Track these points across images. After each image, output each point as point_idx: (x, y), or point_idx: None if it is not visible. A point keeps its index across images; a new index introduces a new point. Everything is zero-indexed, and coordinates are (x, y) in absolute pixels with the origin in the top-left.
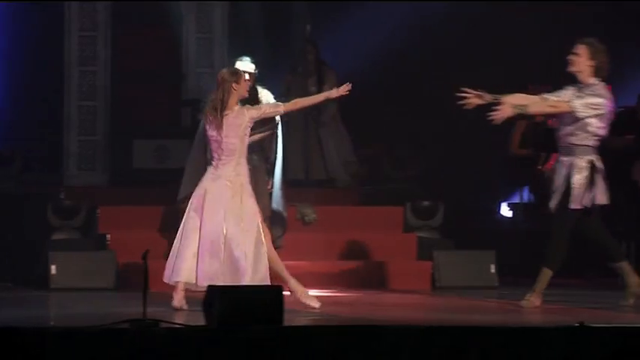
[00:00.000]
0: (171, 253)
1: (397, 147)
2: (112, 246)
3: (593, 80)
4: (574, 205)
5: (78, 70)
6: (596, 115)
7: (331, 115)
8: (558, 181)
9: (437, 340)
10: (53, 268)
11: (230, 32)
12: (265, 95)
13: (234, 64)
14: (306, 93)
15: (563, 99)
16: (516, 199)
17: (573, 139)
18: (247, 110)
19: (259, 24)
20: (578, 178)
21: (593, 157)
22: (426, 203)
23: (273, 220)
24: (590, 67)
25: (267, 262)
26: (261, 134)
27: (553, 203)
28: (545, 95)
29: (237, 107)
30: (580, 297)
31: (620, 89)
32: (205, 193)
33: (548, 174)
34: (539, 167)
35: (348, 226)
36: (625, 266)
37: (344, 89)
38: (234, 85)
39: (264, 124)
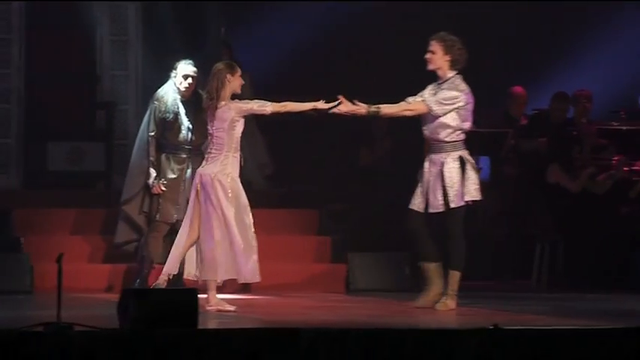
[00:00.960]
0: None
1: (314, 148)
2: (27, 249)
3: (451, 74)
4: (459, 202)
5: None
6: (454, 109)
7: None
8: (434, 181)
9: (351, 342)
10: None
11: (144, 34)
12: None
13: (152, 66)
14: None
15: (423, 98)
16: None
17: (438, 136)
18: (234, 104)
19: (174, 26)
20: (450, 176)
21: (462, 152)
22: (340, 206)
23: None
24: (448, 62)
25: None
26: None
27: (436, 204)
28: (409, 99)
29: (229, 102)
30: (495, 300)
31: (533, 92)
32: (197, 191)
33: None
34: None
35: (262, 228)
36: (437, 268)
37: (334, 103)
38: (228, 76)
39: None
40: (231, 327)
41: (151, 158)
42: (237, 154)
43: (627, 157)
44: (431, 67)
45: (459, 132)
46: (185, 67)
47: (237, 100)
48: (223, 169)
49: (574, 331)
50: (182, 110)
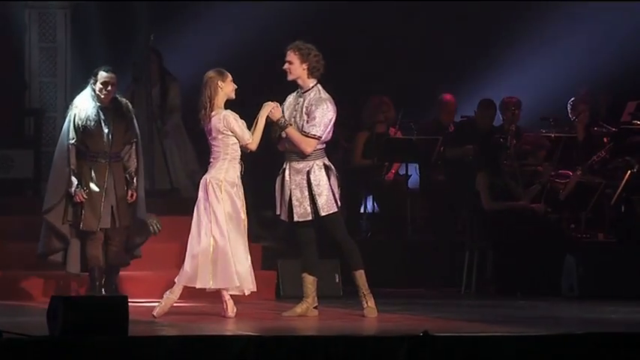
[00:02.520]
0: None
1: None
2: None
3: (312, 82)
4: (331, 209)
5: None
6: (329, 124)
7: (175, 124)
8: (299, 189)
9: (281, 349)
10: None
11: (73, 42)
12: (126, 102)
13: (81, 73)
14: (149, 103)
15: (307, 132)
16: (360, 209)
17: None
18: (225, 117)
19: (102, 34)
20: (318, 184)
21: (325, 160)
22: (270, 213)
23: (135, 229)
24: (306, 70)
25: (229, 266)
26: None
27: (302, 212)
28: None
29: (222, 110)
30: (424, 306)
31: (465, 100)
32: (199, 198)
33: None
34: (383, 176)
35: None
36: (313, 283)
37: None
38: (219, 83)
39: (130, 134)
40: (161, 335)
41: (72, 167)
42: (235, 161)
43: (552, 162)
44: (290, 77)
45: (323, 142)
46: (104, 75)
47: (230, 113)
48: (216, 175)
49: (503, 337)
50: (102, 117)
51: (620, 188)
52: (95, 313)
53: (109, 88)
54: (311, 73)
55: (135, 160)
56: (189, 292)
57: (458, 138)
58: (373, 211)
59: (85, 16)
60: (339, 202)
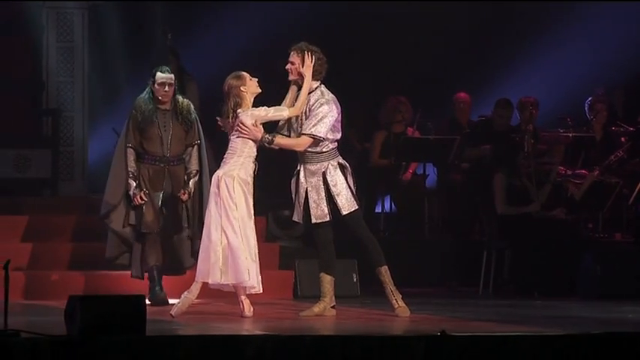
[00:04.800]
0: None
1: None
2: None
3: (314, 84)
4: (352, 207)
5: None
6: (332, 122)
7: None
8: (315, 191)
9: (298, 349)
10: None
11: (90, 42)
12: (187, 104)
13: (98, 73)
14: None
15: (303, 130)
16: (377, 209)
17: (315, 148)
18: (252, 112)
19: (120, 33)
20: (336, 184)
21: (339, 159)
22: (287, 212)
23: (198, 230)
24: None
25: (240, 261)
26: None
27: (319, 214)
28: (279, 135)
29: (248, 109)
30: (442, 306)
31: (479, 98)
32: (211, 193)
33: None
34: (400, 176)
35: None
36: (331, 282)
37: None
38: (242, 88)
39: (191, 136)
40: (178, 334)
41: (130, 169)
42: (250, 159)
43: (565, 161)
44: (291, 77)
45: (334, 142)
46: (161, 75)
47: (253, 109)
48: (230, 171)
49: (521, 337)
50: (160, 119)
51: (638, 188)
52: (113, 312)
53: (166, 89)
54: (313, 75)
55: (196, 163)
56: (206, 292)
57: (475, 138)
58: (390, 210)
59: (103, 17)
60: (358, 200)
